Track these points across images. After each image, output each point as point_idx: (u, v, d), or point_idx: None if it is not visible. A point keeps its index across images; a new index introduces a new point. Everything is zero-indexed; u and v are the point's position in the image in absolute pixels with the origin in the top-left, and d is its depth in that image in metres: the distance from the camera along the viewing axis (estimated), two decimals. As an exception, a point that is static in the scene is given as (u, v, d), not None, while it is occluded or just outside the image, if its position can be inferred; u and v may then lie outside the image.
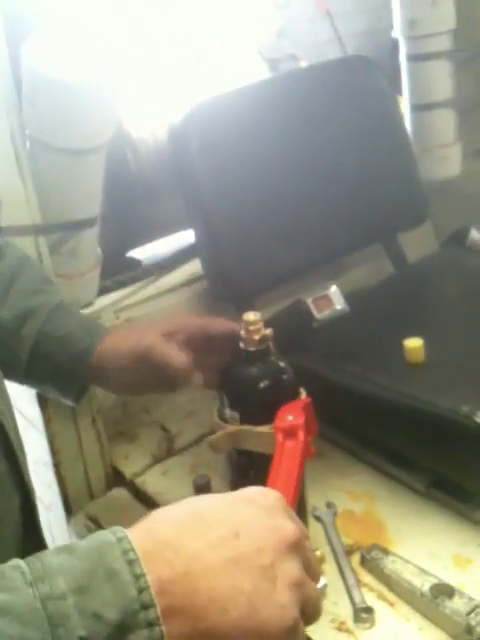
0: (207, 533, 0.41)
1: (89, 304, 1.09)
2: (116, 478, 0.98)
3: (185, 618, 0.38)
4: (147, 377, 0.76)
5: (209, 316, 0.79)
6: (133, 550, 0.38)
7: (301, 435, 0.66)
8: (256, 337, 0.69)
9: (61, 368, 0.76)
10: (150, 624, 0.37)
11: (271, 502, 0.45)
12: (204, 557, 0.40)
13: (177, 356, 0.73)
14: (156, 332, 0.76)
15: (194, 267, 1.18)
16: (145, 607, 0.37)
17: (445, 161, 1.25)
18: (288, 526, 0.43)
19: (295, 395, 0.72)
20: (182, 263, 1.21)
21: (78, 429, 0.94)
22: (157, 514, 0.42)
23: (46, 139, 0.78)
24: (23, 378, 0.77)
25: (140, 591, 0.37)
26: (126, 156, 1.08)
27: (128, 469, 0.97)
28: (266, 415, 0.69)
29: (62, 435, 0.92)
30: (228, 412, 0.71)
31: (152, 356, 0.73)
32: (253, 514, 0.43)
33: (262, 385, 0.71)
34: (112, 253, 1.11)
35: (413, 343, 0.83)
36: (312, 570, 0.44)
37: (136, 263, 1.23)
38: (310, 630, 0.66)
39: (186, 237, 1.22)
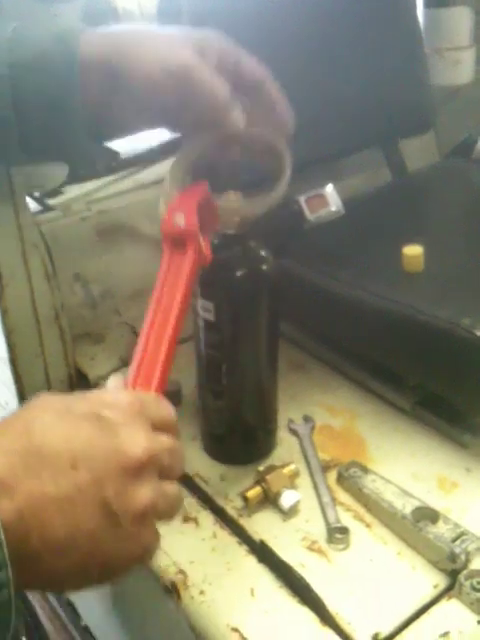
0: (40, 467, 0.35)
1: (57, 192, 1.00)
2: (79, 381, 0.91)
3: (24, 566, 0.34)
4: (175, 105, 0.57)
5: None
6: None
7: (191, 251, 0.51)
8: (236, 218, 0.62)
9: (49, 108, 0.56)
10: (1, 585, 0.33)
11: (118, 414, 0.39)
12: (38, 496, 0.35)
13: (220, 84, 0.55)
14: (189, 46, 0.56)
15: (177, 162, 1.09)
16: None
17: (457, 66, 1.15)
18: (133, 443, 0.38)
19: (275, 291, 0.65)
20: (163, 157, 1.12)
21: (39, 324, 0.86)
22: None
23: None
24: (19, 152, 0.58)
25: None
26: (108, 28, 0.97)
27: (93, 371, 0.90)
28: (243, 308, 0.62)
29: (21, 329, 0.84)
30: (201, 302, 0.64)
31: (191, 78, 0.54)
32: (93, 436, 0.37)
33: (239, 274, 0.63)
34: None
35: (412, 250, 0.76)
36: (173, 470, 0.41)
37: (112, 154, 1.13)
38: (279, 548, 0.61)
39: (168, 132, 1.12)
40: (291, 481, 0.67)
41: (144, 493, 0.38)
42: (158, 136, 1.14)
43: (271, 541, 0.62)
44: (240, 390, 0.69)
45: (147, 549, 0.39)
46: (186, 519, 0.66)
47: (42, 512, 0.35)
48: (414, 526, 0.60)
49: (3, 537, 0.33)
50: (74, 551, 0.36)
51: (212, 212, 0.56)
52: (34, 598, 1.13)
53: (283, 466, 0.67)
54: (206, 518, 0.66)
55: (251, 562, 0.62)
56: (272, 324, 0.67)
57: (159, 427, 0.41)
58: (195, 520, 0.66)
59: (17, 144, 0.58)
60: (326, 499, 0.66)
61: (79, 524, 0.36)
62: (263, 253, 0.65)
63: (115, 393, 0.42)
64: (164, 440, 0.40)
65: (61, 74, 0.55)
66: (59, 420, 0.37)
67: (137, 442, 0.38)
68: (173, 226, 0.52)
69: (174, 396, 0.81)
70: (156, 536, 0.40)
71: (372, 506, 0.65)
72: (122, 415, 0.39)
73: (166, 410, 0.42)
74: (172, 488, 0.40)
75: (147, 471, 0.38)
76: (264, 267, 0.64)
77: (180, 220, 0.52)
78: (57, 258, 0.85)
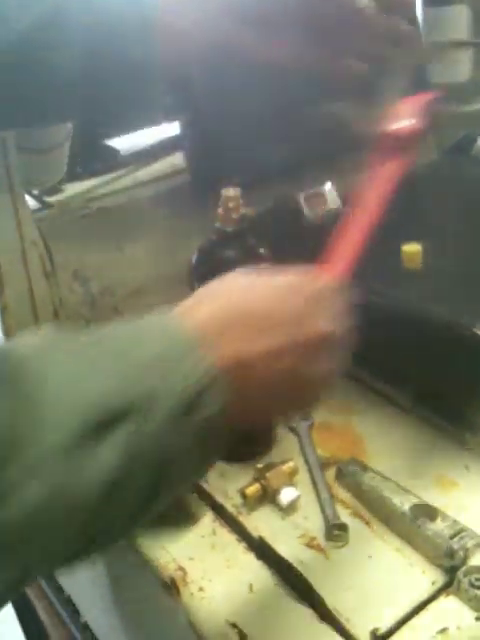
0: (249, 327, 0.44)
1: (56, 189, 1.00)
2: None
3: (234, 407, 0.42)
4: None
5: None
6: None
7: (408, 154, 0.54)
8: (234, 215, 0.62)
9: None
10: (217, 393, 0.40)
11: (313, 293, 0.47)
12: (244, 349, 0.43)
13: None
14: None
15: (176, 160, 1.10)
16: (215, 381, 0.40)
17: (455, 64, 1.15)
18: (323, 320, 0.46)
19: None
20: (163, 155, 1.13)
21: (38, 322, 0.86)
22: (205, 305, 0.45)
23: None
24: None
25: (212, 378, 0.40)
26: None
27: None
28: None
29: (19, 327, 0.84)
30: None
31: None
32: (294, 307, 0.46)
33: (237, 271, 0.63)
34: (86, 139, 1.02)
35: (411, 248, 0.76)
36: (338, 352, 0.47)
37: (112, 152, 1.14)
38: (278, 545, 0.62)
39: (168, 129, 1.13)
40: (290, 478, 0.67)
41: (320, 362, 0.46)
42: (157, 134, 1.15)
43: (270, 538, 0.62)
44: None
45: (312, 403, 0.51)
46: (185, 516, 0.66)
47: (245, 364, 0.42)
48: (413, 523, 0.61)
49: (218, 370, 0.40)
50: (262, 399, 0.45)
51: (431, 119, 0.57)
52: (32, 594, 1.13)
53: (282, 463, 0.67)
54: (205, 515, 0.66)
55: (250, 559, 0.62)
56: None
57: (339, 312, 0.48)
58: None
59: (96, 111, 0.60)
60: (325, 496, 0.66)
61: (271, 377, 0.44)
62: (261, 251, 0.65)
63: (311, 275, 0.48)
64: (342, 325, 0.47)
65: (137, 36, 0.56)
66: (267, 290, 0.46)
67: (326, 320, 0.46)
68: (401, 127, 0.54)
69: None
70: (319, 395, 0.49)
71: (371, 503, 0.65)
72: (316, 294, 0.47)
73: (345, 301, 0.49)
74: (334, 366, 0.48)
75: (326, 346, 0.46)
76: (262, 265, 0.65)
77: (408, 122, 0.54)
78: (56, 256, 0.86)
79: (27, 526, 0.33)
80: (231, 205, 0.62)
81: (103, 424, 0.35)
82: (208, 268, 0.65)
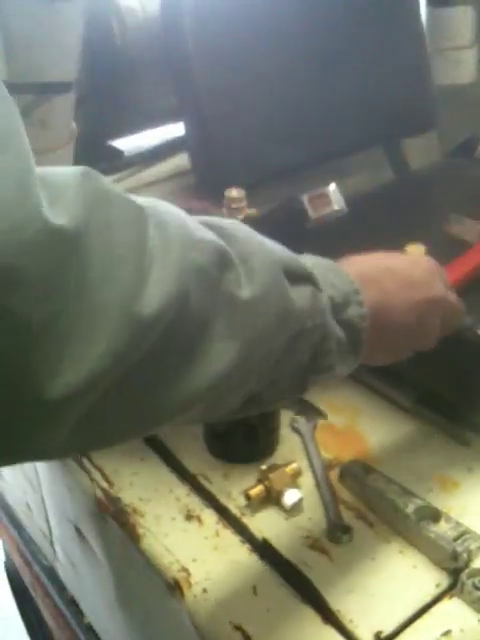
0: (392, 281, 0.55)
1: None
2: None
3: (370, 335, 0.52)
4: None
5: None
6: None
7: None
8: (238, 216, 0.62)
9: None
10: (360, 303, 0.51)
11: (432, 268, 0.59)
12: (385, 297, 0.53)
13: None
14: None
15: (180, 161, 1.10)
16: (357, 293, 0.51)
17: (459, 65, 1.15)
18: (443, 289, 0.58)
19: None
20: (167, 156, 1.13)
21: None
22: (361, 268, 0.54)
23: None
24: None
25: (355, 289, 0.51)
26: (111, 27, 0.98)
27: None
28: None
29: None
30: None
31: None
32: (420, 274, 0.57)
33: None
34: (91, 140, 1.02)
35: (415, 249, 0.76)
36: (454, 313, 0.61)
37: (117, 153, 1.14)
38: (281, 547, 0.62)
39: (172, 130, 1.13)
40: (293, 480, 0.67)
41: (436, 320, 0.58)
42: (161, 135, 1.15)
43: (274, 539, 0.63)
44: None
45: (423, 349, 0.60)
46: (189, 517, 0.66)
47: (385, 305, 0.53)
48: (416, 525, 0.61)
49: (364, 305, 0.51)
50: (389, 338, 0.55)
51: None
52: (37, 595, 1.13)
53: (286, 465, 0.67)
54: (209, 516, 0.66)
55: (253, 560, 0.62)
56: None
57: (450, 287, 0.61)
58: (198, 518, 0.66)
59: None
60: (328, 497, 0.66)
61: (401, 322, 0.54)
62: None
63: (428, 258, 0.61)
64: (454, 297, 0.60)
65: None
66: (401, 258, 0.59)
67: (445, 289, 0.58)
68: None
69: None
70: (430, 345, 0.60)
71: (374, 505, 0.65)
72: (438, 269, 0.59)
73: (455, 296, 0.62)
74: (447, 324, 0.60)
75: (444, 308, 0.58)
76: None
77: None
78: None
79: (255, 305, 0.41)
80: (235, 206, 0.62)
81: (293, 276, 0.45)
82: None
